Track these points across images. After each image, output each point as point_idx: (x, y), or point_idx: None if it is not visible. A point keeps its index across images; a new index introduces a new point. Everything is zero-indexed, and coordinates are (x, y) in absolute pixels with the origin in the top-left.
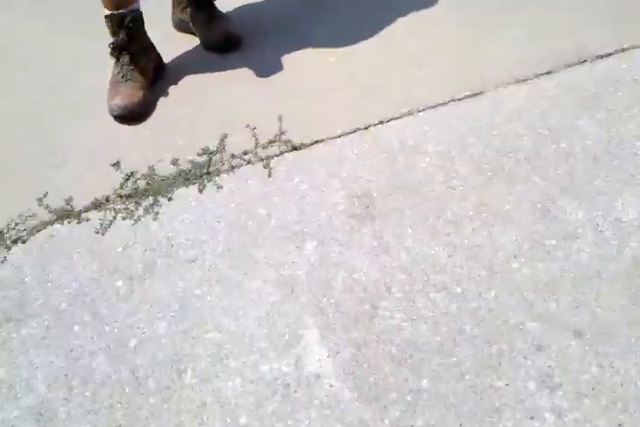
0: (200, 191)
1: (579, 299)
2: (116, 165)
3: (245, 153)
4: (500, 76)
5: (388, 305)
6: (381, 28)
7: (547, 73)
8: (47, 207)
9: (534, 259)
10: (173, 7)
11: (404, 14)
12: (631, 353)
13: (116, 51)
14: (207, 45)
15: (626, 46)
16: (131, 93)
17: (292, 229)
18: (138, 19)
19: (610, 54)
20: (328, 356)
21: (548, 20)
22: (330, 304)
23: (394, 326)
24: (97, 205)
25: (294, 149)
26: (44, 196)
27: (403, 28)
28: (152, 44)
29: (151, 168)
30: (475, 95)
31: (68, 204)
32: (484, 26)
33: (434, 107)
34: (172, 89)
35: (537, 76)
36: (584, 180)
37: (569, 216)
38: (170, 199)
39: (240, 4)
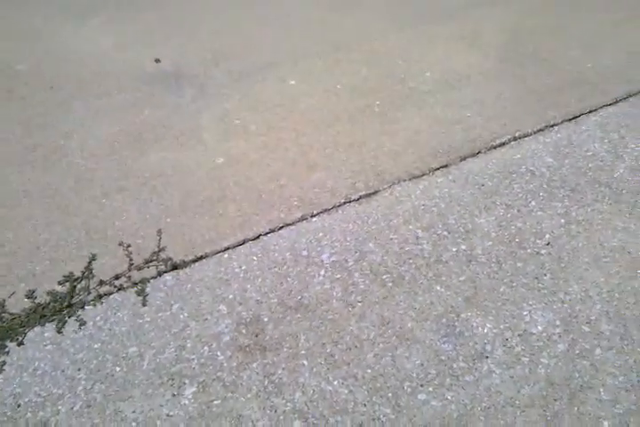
0: (58, 330)
1: None
2: None
3: (117, 277)
4: (395, 172)
5: None
6: (273, 126)
7: (443, 167)
8: None
9: (443, 386)
10: None
11: (297, 112)
12: None
13: None
14: None
15: (517, 135)
16: None
17: (168, 372)
18: None
19: (503, 144)
20: None
21: (443, 114)
22: None
23: None
24: None
25: (174, 268)
26: None
27: (296, 126)
28: None
29: (1, 304)
30: (370, 195)
31: None
32: (380, 120)
33: (329, 210)
34: (29, 203)
35: (432, 171)
36: (488, 286)
37: (476, 331)
38: (20, 344)
39: None
